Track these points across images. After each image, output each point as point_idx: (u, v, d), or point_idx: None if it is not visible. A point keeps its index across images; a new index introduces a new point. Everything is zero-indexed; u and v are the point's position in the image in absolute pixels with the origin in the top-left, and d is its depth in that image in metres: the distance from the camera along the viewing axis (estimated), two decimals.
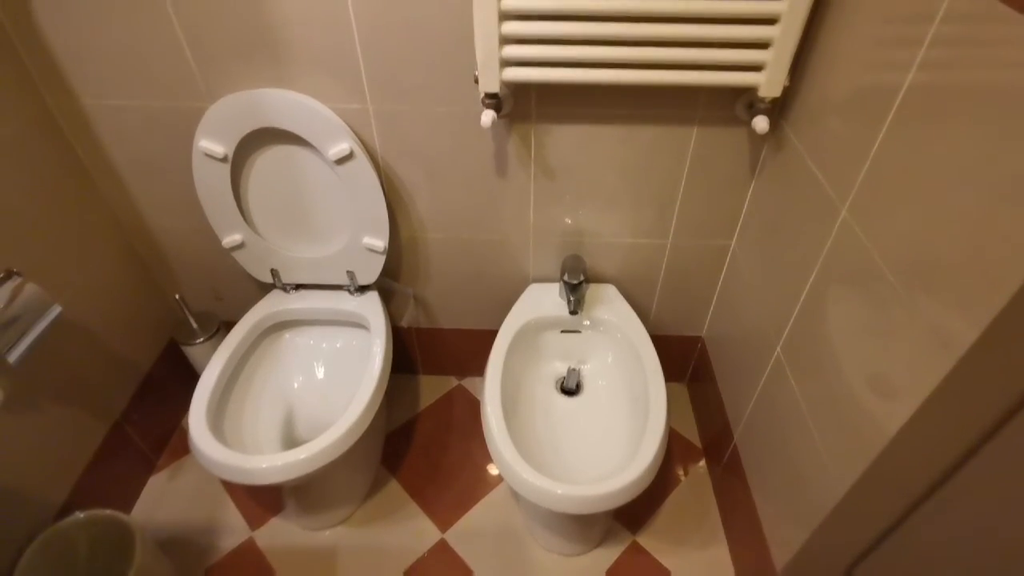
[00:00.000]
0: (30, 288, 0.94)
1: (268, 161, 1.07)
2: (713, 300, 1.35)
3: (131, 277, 1.30)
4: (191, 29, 0.95)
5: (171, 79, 1.01)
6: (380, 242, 1.16)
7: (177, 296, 1.29)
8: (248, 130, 1.01)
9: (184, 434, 1.45)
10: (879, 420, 0.68)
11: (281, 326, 1.28)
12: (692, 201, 1.15)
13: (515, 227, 1.22)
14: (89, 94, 1.03)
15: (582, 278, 1.18)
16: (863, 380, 0.72)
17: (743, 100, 0.98)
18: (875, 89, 0.71)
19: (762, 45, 0.86)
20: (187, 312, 1.32)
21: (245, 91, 0.99)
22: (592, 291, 1.29)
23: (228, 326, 1.24)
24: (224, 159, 1.04)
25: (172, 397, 1.45)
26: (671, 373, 1.54)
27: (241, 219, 1.13)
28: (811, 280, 0.87)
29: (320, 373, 1.28)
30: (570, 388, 1.24)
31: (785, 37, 0.84)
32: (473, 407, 1.55)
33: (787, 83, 0.90)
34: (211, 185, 1.08)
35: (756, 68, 0.89)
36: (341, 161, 1.04)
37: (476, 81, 0.93)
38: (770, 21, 0.84)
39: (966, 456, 0.55)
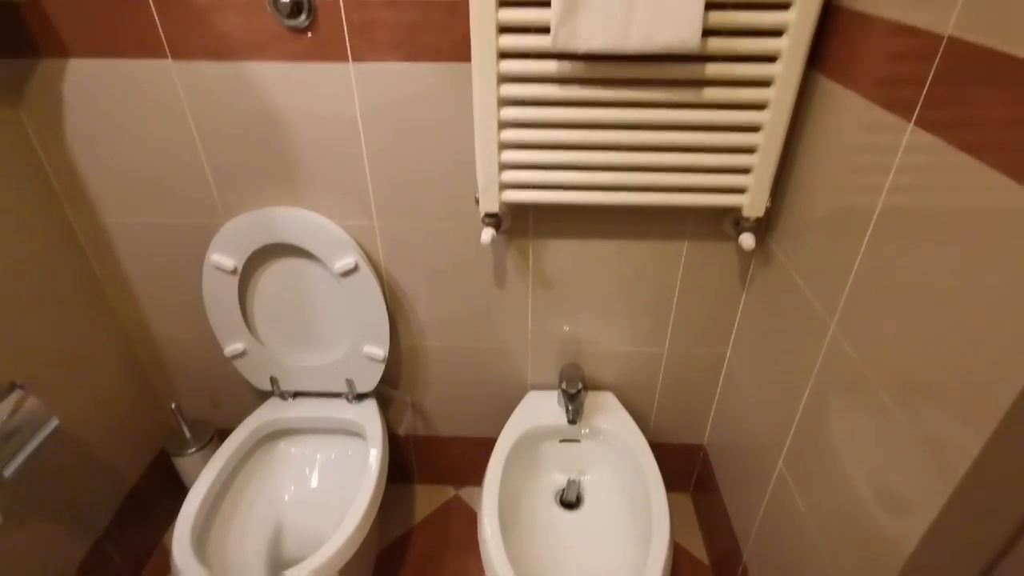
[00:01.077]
0: (31, 401, 0.94)
1: (275, 273, 1.11)
2: (713, 408, 1.35)
3: (129, 387, 1.29)
4: (214, 155, 1.02)
5: (191, 199, 1.07)
6: (380, 351, 1.17)
7: (173, 405, 1.28)
8: (259, 245, 1.06)
9: (166, 553, 1.38)
10: (892, 539, 0.66)
11: (277, 435, 1.26)
12: (686, 310, 1.18)
13: (514, 335, 1.24)
14: (112, 213, 1.09)
15: (580, 386, 1.18)
16: (871, 494, 0.71)
17: (729, 218, 1.04)
18: (851, 210, 0.76)
19: (743, 170, 0.93)
20: (182, 422, 1.30)
21: (259, 210, 1.05)
22: (591, 399, 1.28)
23: (222, 434, 1.22)
24: (233, 272, 1.08)
25: (156, 512, 1.39)
26: (674, 482, 1.49)
27: (245, 328, 1.16)
28: (807, 393, 0.87)
29: (314, 483, 1.25)
30: (570, 500, 1.20)
31: (763, 164, 0.91)
32: (470, 519, 1.49)
33: (769, 204, 0.96)
34: (218, 296, 1.12)
35: (739, 191, 0.95)
36: (346, 274, 1.08)
37: (477, 202, 0.99)
38: (749, 150, 0.91)
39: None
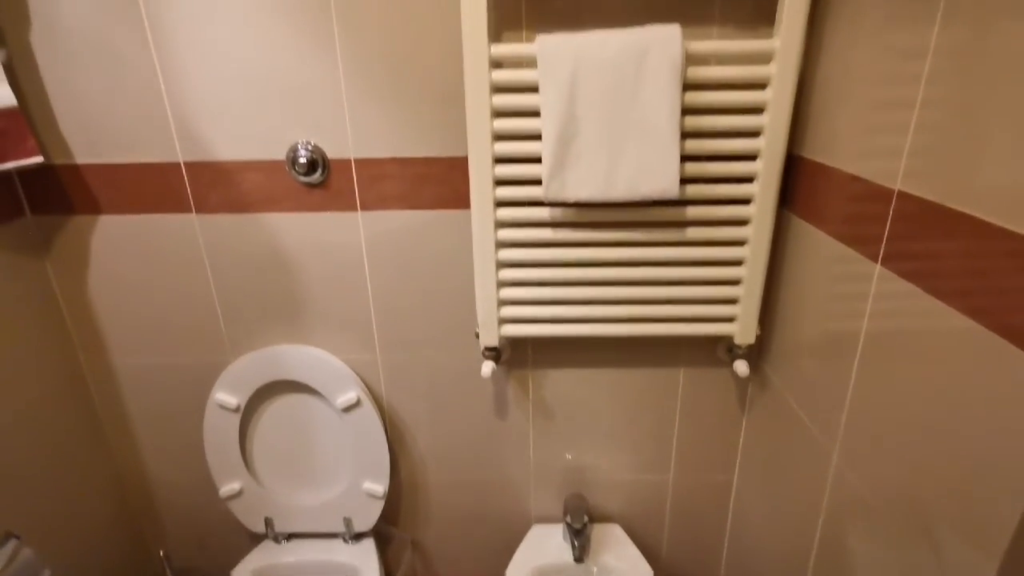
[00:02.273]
0: (25, 552, 0.90)
1: (276, 409, 1.12)
2: (725, 540, 1.29)
3: (119, 534, 1.25)
4: (227, 297, 1.07)
5: (200, 338, 1.10)
6: (380, 487, 1.15)
7: (161, 553, 1.22)
8: (263, 383, 1.08)
9: None
10: None
11: None
12: (688, 437, 1.17)
13: (516, 466, 1.22)
14: (122, 353, 1.12)
15: (586, 520, 1.14)
16: None
17: (722, 345, 1.07)
18: (838, 335, 0.79)
19: (731, 301, 0.98)
20: (168, 572, 1.24)
21: (266, 348, 1.08)
22: (597, 532, 1.23)
23: None
24: (236, 409, 1.09)
25: None
26: None
27: (243, 467, 1.14)
28: (820, 526, 0.85)
29: None
30: None
31: (749, 295, 0.96)
32: None
33: (759, 331, 0.99)
34: (219, 434, 1.11)
35: (729, 320, 0.99)
36: (348, 409, 1.09)
37: (477, 336, 1.02)
38: (735, 282, 0.97)
39: None
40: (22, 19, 0.89)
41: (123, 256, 1.04)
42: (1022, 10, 0.49)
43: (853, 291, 0.74)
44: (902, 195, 0.64)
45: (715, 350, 1.09)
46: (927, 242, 0.60)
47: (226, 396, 1.08)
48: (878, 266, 0.68)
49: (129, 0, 0.88)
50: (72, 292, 1.07)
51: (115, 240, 1.03)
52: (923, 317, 0.61)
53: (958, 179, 0.56)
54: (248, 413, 1.12)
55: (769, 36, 0.86)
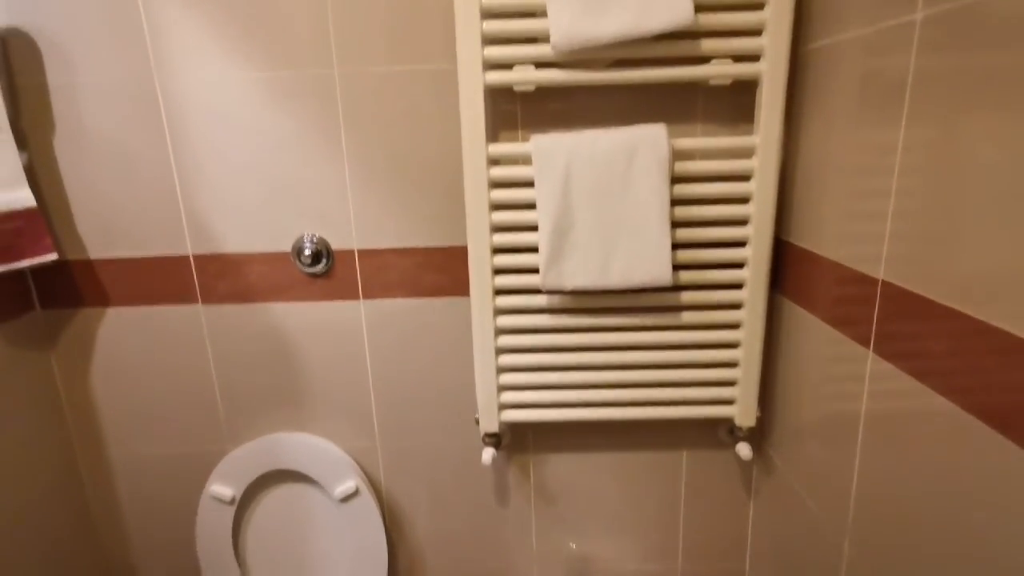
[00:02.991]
0: None
1: (271, 501, 1.10)
2: None
3: None
4: (227, 386, 1.08)
5: (198, 427, 1.10)
6: None
7: None
8: (260, 473, 1.06)
9: None
10: None
11: None
12: (695, 523, 1.14)
13: (518, 554, 1.18)
14: (119, 444, 1.11)
15: None
16: None
17: (723, 427, 1.07)
18: (838, 417, 0.79)
19: (729, 383, 0.98)
20: None
21: (264, 437, 1.08)
22: None
23: None
24: (231, 502, 1.07)
25: None
26: None
27: (235, 563, 1.10)
28: None
29: None
30: None
31: (747, 377, 0.96)
32: None
33: (759, 413, 0.99)
34: (212, 529, 1.08)
35: (728, 402, 0.99)
36: (346, 499, 1.06)
37: (477, 422, 1.02)
38: (732, 364, 0.97)
39: None
40: (46, 123, 0.95)
41: (127, 347, 1.05)
42: (982, 111, 0.53)
43: (849, 375, 0.75)
44: (886, 285, 0.66)
45: (717, 432, 1.09)
46: (913, 330, 0.62)
47: (221, 488, 1.06)
48: (871, 352, 0.70)
49: (150, 104, 0.94)
50: (74, 385, 1.08)
51: (120, 332, 1.05)
52: (915, 402, 0.61)
53: (936, 270, 0.58)
54: (243, 505, 1.09)
55: (750, 131, 0.92)
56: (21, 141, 0.94)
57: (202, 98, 0.94)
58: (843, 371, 0.77)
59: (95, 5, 0.90)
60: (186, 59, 0.92)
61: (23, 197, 0.88)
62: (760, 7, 0.83)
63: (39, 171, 0.97)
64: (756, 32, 0.84)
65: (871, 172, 0.70)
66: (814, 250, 0.84)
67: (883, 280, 0.67)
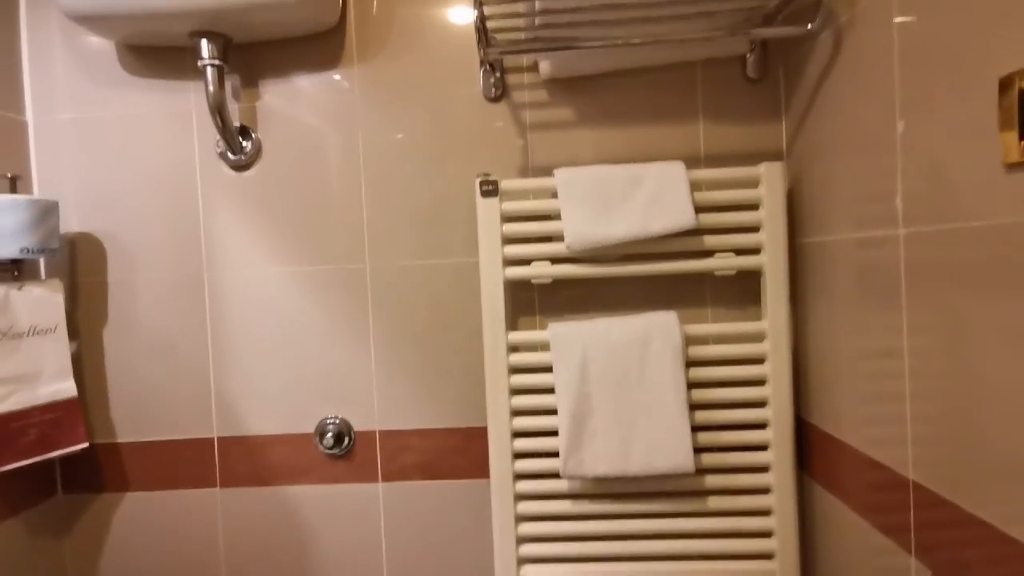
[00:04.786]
0: None
1: None
2: None
3: None
4: (235, 566, 1.03)
5: None
6: None
7: None
8: None
9: None
10: None
11: None
12: None
13: None
14: None
15: None
16: None
17: None
18: None
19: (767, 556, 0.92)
20: None
21: None
22: None
23: None
24: None
25: None
26: None
27: None
28: None
29: None
30: None
31: (785, 571, 0.90)
32: None
33: None
34: None
35: None
36: None
37: None
38: (767, 556, 0.92)
39: None
40: (100, 316, 1.03)
41: (140, 532, 1.03)
42: (978, 293, 0.55)
43: None
44: (918, 487, 0.64)
45: None
46: (953, 538, 0.59)
47: None
48: (912, 558, 0.66)
49: (198, 296, 1.02)
50: (84, 570, 1.04)
51: (135, 517, 1.03)
52: None
53: (963, 473, 0.57)
54: None
55: (758, 313, 0.96)
56: (74, 331, 1.02)
57: (243, 290, 1.02)
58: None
59: (162, 213, 1.02)
60: (234, 257, 1.02)
61: (66, 388, 0.93)
62: (755, 207, 0.91)
63: (85, 359, 1.03)
64: (754, 228, 0.91)
65: (880, 355, 0.71)
66: (836, 435, 0.83)
67: (914, 481, 0.65)
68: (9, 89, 0.99)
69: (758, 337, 0.92)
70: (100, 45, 1.02)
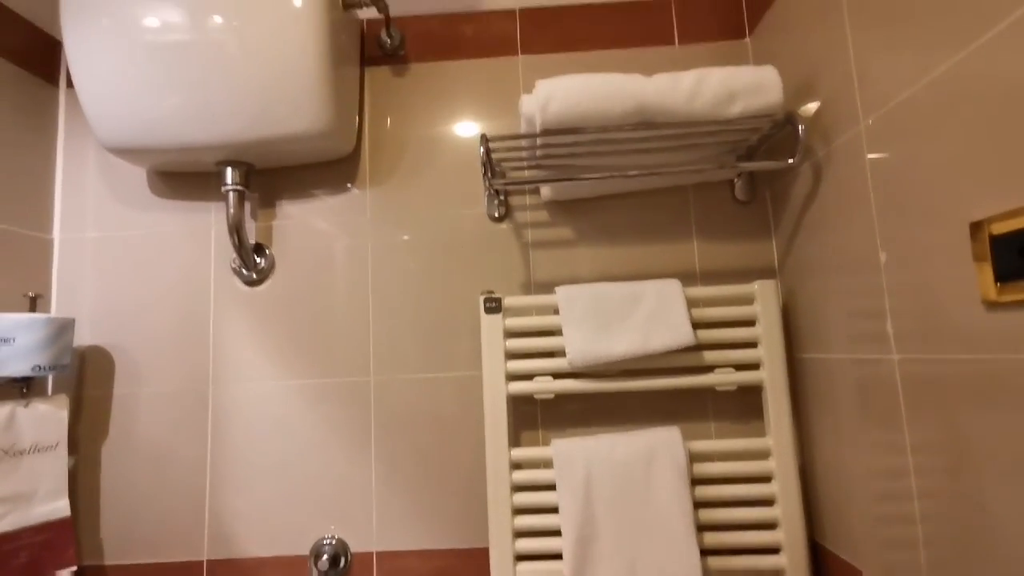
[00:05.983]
0: None
1: None
2: None
3: None
4: None
5: None
6: None
7: None
8: None
9: None
10: None
11: None
12: None
13: None
14: None
15: None
16: None
17: None
18: None
19: None
20: None
21: None
22: None
23: None
24: None
25: None
26: None
27: None
28: None
29: None
30: None
31: None
32: None
33: None
34: None
35: None
36: None
37: None
38: None
39: None
40: (101, 431, 1.02)
41: None
42: (976, 412, 0.56)
43: None
44: None
45: None
46: None
47: None
48: None
49: (200, 410, 1.02)
50: None
51: None
52: None
53: None
54: None
55: (761, 428, 0.95)
56: (73, 446, 1.01)
57: (247, 404, 1.02)
58: None
59: (173, 327, 1.04)
60: (240, 371, 1.03)
61: (60, 507, 0.91)
62: (752, 323, 0.93)
63: (80, 476, 1.01)
64: (752, 344, 0.93)
65: (888, 475, 0.71)
66: (853, 562, 0.80)
67: None
68: (40, 210, 1.06)
69: (763, 454, 0.91)
70: (131, 170, 1.09)
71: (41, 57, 1.07)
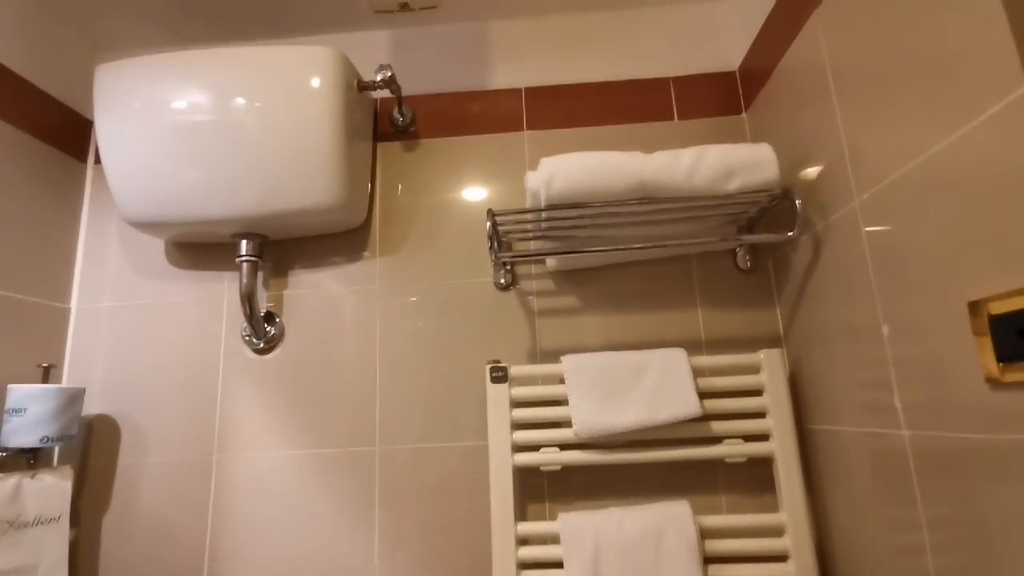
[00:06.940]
0: None
1: None
2: None
3: None
4: None
5: None
6: None
7: None
8: None
9: None
10: None
11: None
12: None
13: None
14: None
15: None
16: None
17: None
18: None
19: None
20: None
21: None
22: None
23: None
24: None
25: None
26: None
27: None
28: None
29: None
30: None
31: None
32: None
33: None
34: None
35: None
36: None
37: None
38: None
39: None
40: (104, 503, 1.01)
41: None
42: (990, 487, 0.54)
43: None
44: None
45: None
46: None
47: None
48: None
49: (204, 481, 1.01)
50: None
51: None
52: None
53: None
54: None
55: (773, 501, 0.93)
56: (75, 517, 0.99)
57: (250, 474, 1.01)
58: None
59: (181, 396, 1.05)
60: (245, 440, 1.03)
61: None
62: (759, 393, 0.93)
63: (81, 547, 0.99)
64: (761, 414, 0.92)
65: (906, 552, 0.68)
66: None
67: None
68: (60, 280, 1.09)
69: (778, 531, 0.88)
70: (150, 241, 1.13)
71: (72, 136, 1.13)
